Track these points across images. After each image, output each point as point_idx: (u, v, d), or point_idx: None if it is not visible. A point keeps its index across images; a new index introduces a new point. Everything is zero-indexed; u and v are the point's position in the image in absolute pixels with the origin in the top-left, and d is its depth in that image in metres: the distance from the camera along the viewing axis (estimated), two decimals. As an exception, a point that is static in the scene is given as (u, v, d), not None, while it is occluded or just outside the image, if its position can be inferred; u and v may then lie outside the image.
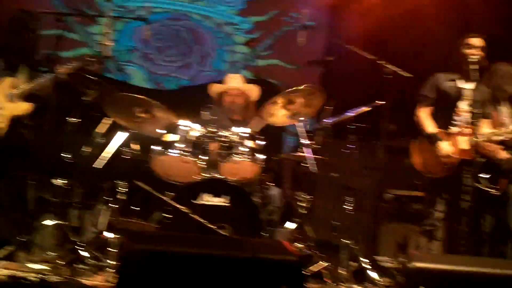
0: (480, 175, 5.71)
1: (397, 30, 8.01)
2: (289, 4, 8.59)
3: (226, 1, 8.81)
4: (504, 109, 5.91)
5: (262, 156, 5.45)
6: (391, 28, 7.93)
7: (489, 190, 5.71)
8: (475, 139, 5.36)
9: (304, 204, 5.59)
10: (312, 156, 5.49)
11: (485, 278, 4.09)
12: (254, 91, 6.21)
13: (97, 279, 4.84)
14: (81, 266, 5.00)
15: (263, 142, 5.56)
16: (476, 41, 5.66)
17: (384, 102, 5.42)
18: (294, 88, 5.50)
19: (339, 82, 7.46)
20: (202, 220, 4.95)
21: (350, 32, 7.45)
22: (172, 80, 8.68)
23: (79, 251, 5.06)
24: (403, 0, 7.99)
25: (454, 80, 5.70)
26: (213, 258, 3.90)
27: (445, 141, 5.52)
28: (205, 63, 8.81)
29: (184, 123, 5.46)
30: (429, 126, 5.64)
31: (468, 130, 5.47)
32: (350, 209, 5.94)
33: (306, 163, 5.46)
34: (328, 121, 5.89)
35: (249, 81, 6.57)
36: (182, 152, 5.36)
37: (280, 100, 5.58)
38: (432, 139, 5.57)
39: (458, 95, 5.66)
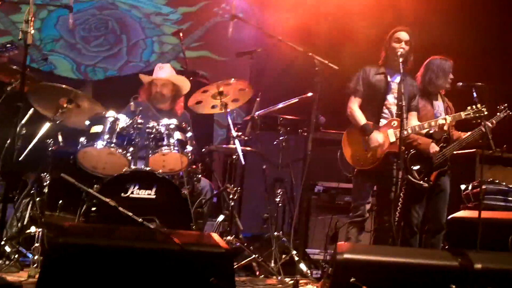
0: (412, 167, 5.80)
1: (327, 23, 8.04)
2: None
3: (155, -10, 8.68)
4: (437, 103, 6.01)
5: (190, 148, 5.38)
6: (322, 20, 7.95)
7: (420, 182, 5.80)
8: (404, 131, 5.42)
9: (234, 196, 5.54)
10: (241, 147, 5.44)
11: (414, 268, 4.14)
12: (183, 82, 6.11)
13: (22, 275, 4.67)
14: (4, 261, 4.81)
15: (191, 134, 5.48)
16: (404, 35, 5.71)
17: (313, 94, 5.40)
18: (224, 81, 5.45)
19: (269, 73, 7.45)
20: (129, 213, 4.82)
21: (281, 24, 7.43)
22: (99, 71, 8.49)
23: (2, 246, 4.87)
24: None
25: (382, 73, 5.75)
26: (141, 251, 3.82)
27: (375, 133, 5.57)
28: (133, 53, 8.66)
29: (110, 114, 5.31)
30: (360, 118, 5.67)
31: (396, 123, 5.53)
32: (280, 201, 5.94)
33: (236, 155, 5.41)
34: (257, 113, 5.85)
35: (178, 72, 6.47)
36: (108, 144, 5.22)
37: (209, 91, 5.51)
38: (363, 131, 5.60)
39: (386, 88, 5.71)
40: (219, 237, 4.22)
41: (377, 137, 5.55)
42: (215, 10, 8.54)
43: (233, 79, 5.41)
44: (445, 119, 5.67)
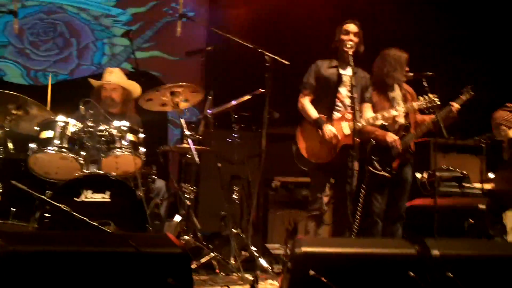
0: (373, 158, 5.83)
1: (279, 18, 8.04)
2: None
3: (102, -8, 8.57)
4: (393, 94, 6.02)
5: (143, 149, 5.32)
6: (274, 16, 7.95)
7: (382, 172, 5.83)
8: (358, 123, 5.45)
9: (190, 196, 5.50)
10: (195, 146, 5.41)
11: (372, 258, 4.15)
12: (133, 86, 6.06)
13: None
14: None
15: (144, 135, 5.44)
16: (352, 27, 5.73)
17: (265, 90, 5.40)
18: (175, 84, 5.42)
19: (221, 71, 7.42)
20: (83, 218, 4.74)
21: (231, 21, 7.41)
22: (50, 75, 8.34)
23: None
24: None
25: (334, 67, 5.76)
26: (95, 255, 3.75)
27: (328, 126, 5.58)
28: (84, 56, 8.54)
29: (60, 119, 5.23)
30: (312, 112, 5.68)
31: (349, 116, 5.55)
32: (238, 198, 5.92)
33: (190, 155, 5.37)
34: (210, 111, 5.81)
35: (129, 73, 6.40)
36: (60, 148, 5.13)
37: (161, 92, 5.46)
38: (317, 125, 5.61)
39: (339, 81, 5.72)
40: (176, 237, 4.18)
41: (330, 129, 5.57)
42: (165, 10, 8.47)
43: (183, 83, 5.39)
44: (398, 110, 5.70)
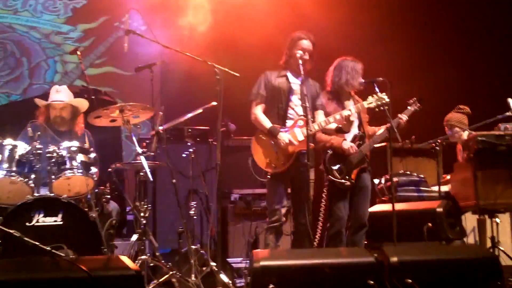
0: (332, 167, 5.83)
1: (230, 31, 8.03)
2: (119, 9, 8.35)
3: (51, 10, 8.42)
4: (348, 103, 6.06)
5: (95, 169, 5.23)
6: (225, 30, 7.93)
7: (341, 181, 5.82)
8: (310, 130, 5.44)
9: (145, 214, 5.41)
10: (149, 162, 5.33)
11: (332, 268, 4.12)
12: (81, 103, 5.96)
13: None
14: None
15: (95, 154, 5.35)
16: (306, 43, 5.73)
17: (216, 103, 5.36)
18: (122, 104, 5.36)
19: (172, 85, 7.36)
20: (35, 243, 4.61)
21: (183, 36, 7.37)
22: (2, 96, 8.20)
23: None
24: (233, 0, 8.04)
25: (284, 76, 5.75)
26: (46, 282, 3.66)
27: (283, 134, 5.56)
28: (36, 75, 8.40)
29: (8, 142, 5.12)
30: (265, 122, 5.65)
31: (302, 122, 5.54)
32: (195, 213, 5.85)
33: (143, 172, 5.30)
34: (162, 127, 5.74)
35: (80, 90, 6.30)
36: (9, 172, 5.01)
37: (112, 109, 5.38)
38: (272, 134, 5.59)
39: (289, 90, 5.71)
40: (132, 258, 4.09)
41: (285, 136, 5.55)
42: (116, 25, 8.37)
43: (134, 103, 5.34)
44: (350, 110, 5.72)
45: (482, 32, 8.71)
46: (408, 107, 6.14)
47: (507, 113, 6.20)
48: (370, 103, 5.76)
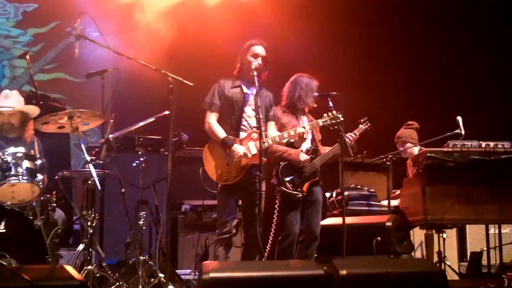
0: (284, 178, 5.82)
1: (187, 39, 7.98)
2: (72, 14, 8.21)
3: (1, 12, 8.26)
4: (303, 118, 6.11)
5: (41, 176, 5.11)
6: (182, 38, 7.88)
7: (294, 192, 5.82)
8: (265, 143, 5.43)
9: (92, 224, 5.29)
10: (98, 171, 5.23)
11: (281, 280, 4.10)
12: (32, 109, 5.82)
13: None
14: None
15: (41, 161, 5.22)
16: (259, 49, 5.71)
17: (168, 112, 5.30)
18: (71, 111, 5.25)
19: (125, 93, 7.25)
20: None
21: (138, 41, 7.28)
22: None
23: None
24: (189, 9, 8.01)
25: (238, 86, 5.72)
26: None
27: (237, 145, 5.52)
28: (-17, 80, 8.19)
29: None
30: (219, 132, 5.60)
31: (256, 135, 5.50)
32: (144, 223, 5.76)
33: (91, 180, 5.19)
34: (112, 135, 5.64)
35: (28, 95, 6.15)
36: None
37: (60, 116, 5.26)
38: (226, 144, 5.54)
39: (243, 100, 5.68)
40: (73, 269, 3.98)
41: (239, 148, 5.51)
42: (68, 30, 8.22)
43: (83, 109, 5.23)
44: (304, 127, 5.73)
45: (433, 50, 8.85)
46: (360, 126, 6.23)
47: (456, 131, 6.32)
48: (325, 121, 5.79)
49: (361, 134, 6.19)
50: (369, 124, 6.23)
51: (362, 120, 6.25)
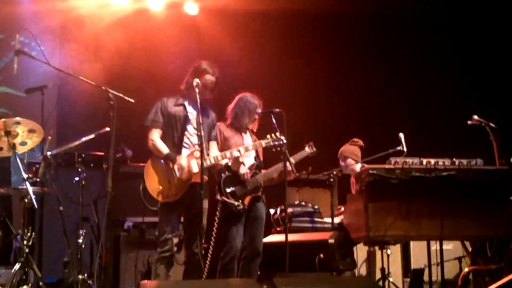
0: (226, 189, 5.79)
1: (131, 55, 7.94)
2: (16, 28, 8.07)
3: None
4: (246, 137, 6.14)
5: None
6: (124, 54, 7.83)
7: (234, 203, 5.80)
8: (206, 162, 5.44)
9: (28, 242, 5.18)
10: (36, 189, 5.13)
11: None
12: None
13: None
14: None
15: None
16: (210, 72, 5.68)
17: (109, 129, 5.24)
18: (11, 119, 5.13)
19: (66, 109, 7.17)
20: None
21: (80, 57, 7.21)
22: None
23: None
24: (133, 25, 7.97)
25: (181, 105, 5.70)
26: None
27: (180, 163, 5.48)
28: None
29: None
30: (162, 148, 5.56)
31: (198, 153, 5.46)
32: (83, 241, 5.67)
33: (28, 198, 5.09)
34: (51, 152, 5.55)
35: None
36: None
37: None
38: (169, 159, 5.50)
39: (185, 118, 5.66)
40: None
41: (183, 163, 5.47)
42: (12, 44, 8.07)
43: (18, 118, 5.10)
44: (239, 150, 5.74)
45: (377, 68, 8.97)
46: (306, 149, 6.35)
47: (399, 148, 6.40)
48: (268, 142, 5.81)
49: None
50: (314, 149, 6.36)
51: (308, 144, 6.36)
